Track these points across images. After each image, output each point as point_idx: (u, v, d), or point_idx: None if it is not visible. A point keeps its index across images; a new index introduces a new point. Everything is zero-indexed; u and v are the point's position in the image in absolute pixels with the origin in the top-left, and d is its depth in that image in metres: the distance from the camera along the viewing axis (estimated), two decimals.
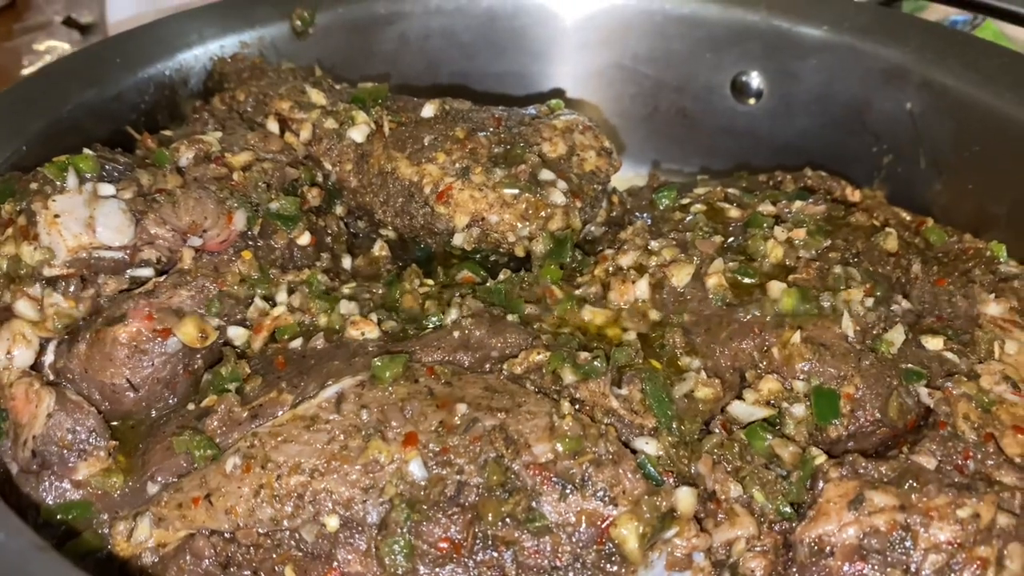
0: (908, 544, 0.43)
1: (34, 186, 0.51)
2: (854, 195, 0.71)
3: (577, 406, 0.48)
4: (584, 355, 0.49)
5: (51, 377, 0.49)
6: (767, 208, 0.62)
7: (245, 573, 0.45)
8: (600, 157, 0.62)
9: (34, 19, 1.13)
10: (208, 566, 0.45)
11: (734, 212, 0.62)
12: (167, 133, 0.63)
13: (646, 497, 0.45)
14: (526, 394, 0.49)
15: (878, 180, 0.78)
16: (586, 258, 0.59)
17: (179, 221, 0.52)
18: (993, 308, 0.56)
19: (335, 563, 0.44)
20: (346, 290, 0.57)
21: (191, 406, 0.51)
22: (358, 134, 0.61)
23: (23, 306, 0.49)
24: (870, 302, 0.53)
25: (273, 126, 0.63)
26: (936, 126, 0.73)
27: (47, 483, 0.47)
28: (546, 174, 0.58)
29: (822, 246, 0.57)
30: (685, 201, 0.64)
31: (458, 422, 0.47)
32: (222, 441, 0.48)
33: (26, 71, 1.09)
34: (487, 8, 0.84)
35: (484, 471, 0.45)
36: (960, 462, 0.46)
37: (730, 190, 0.66)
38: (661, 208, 0.63)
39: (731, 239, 0.58)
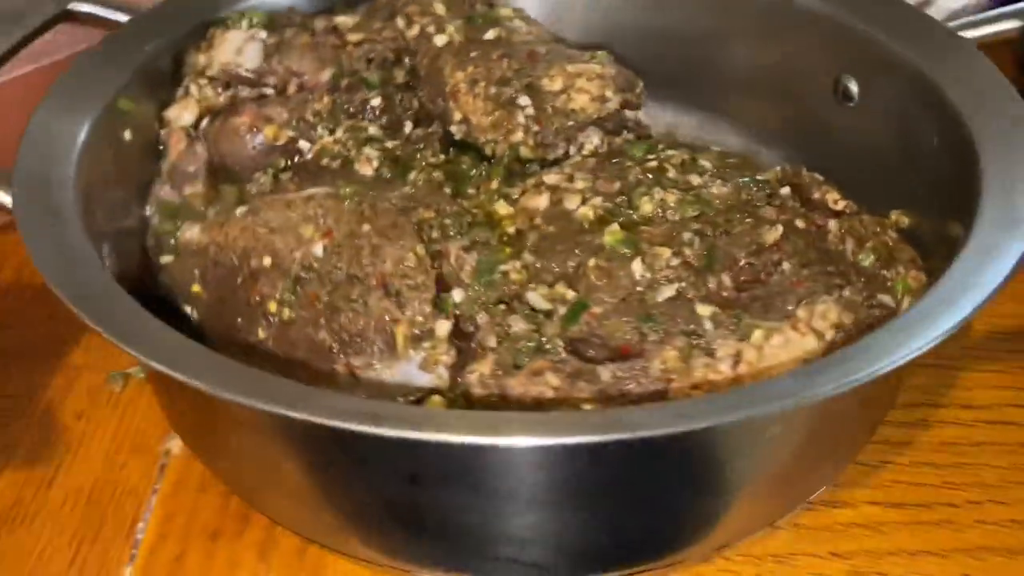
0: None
1: (228, 20, 0.84)
2: (836, 204, 0.77)
3: (432, 254, 0.70)
4: (448, 222, 0.70)
5: (197, 135, 0.83)
6: (693, 179, 0.73)
7: (221, 272, 0.74)
8: (592, 102, 0.78)
9: None
10: (207, 263, 0.75)
11: (671, 174, 0.74)
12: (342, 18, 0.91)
13: (419, 318, 0.66)
14: (408, 234, 0.71)
15: (908, 206, 0.80)
16: (536, 170, 0.77)
17: (287, 64, 0.82)
18: (804, 312, 0.63)
19: (259, 284, 0.72)
20: (385, 144, 0.83)
21: (255, 175, 0.82)
22: (439, 40, 0.84)
23: (192, 88, 0.82)
24: (676, 262, 0.65)
25: (401, 21, 0.88)
26: (949, 168, 0.73)
27: (167, 189, 0.81)
28: (523, 100, 0.77)
29: (688, 214, 0.68)
30: (651, 156, 0.77)
31: (358, 233, 0.71)
32: (249, 199, 0.78)
33: None
34: None
35: (350, 265, 0.69)
36: (627, 385, 0.59)
37: (703, 161, 0.77)
38: (628, 155, 0.77)
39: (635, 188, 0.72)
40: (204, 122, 0.83)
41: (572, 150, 0.80)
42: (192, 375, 0.47)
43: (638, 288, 0.64)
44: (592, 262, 0.65)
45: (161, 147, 0.82)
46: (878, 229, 0.74)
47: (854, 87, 0.87)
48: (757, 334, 0.61)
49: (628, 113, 0.84)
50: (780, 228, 0.68)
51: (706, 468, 0.53)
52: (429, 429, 0.44)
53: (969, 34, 0.80)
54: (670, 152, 0.77)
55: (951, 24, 0.81)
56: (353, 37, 0.85)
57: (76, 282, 0.54)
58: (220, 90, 0.83)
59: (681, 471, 0.52)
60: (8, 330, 0.84)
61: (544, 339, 0.63)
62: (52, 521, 0.70)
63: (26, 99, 0.73)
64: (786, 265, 0.68)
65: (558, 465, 0.51)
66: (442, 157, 0.82)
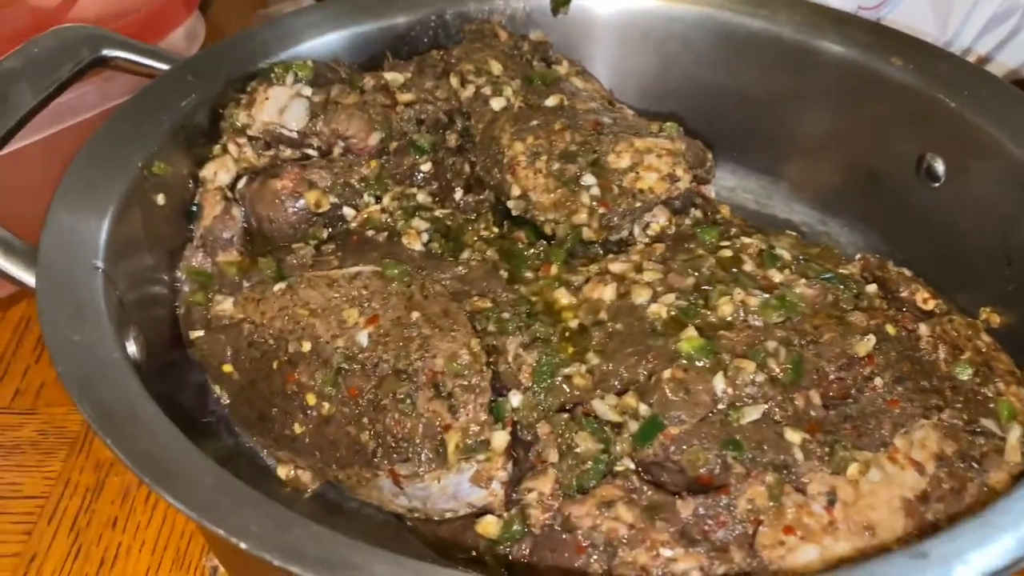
0: (616, 552, 0.53)
1: (271, 75, 0.78)
2: (926, 303, 0.71)
3: (488, 349, 0.64)
4: (506, 315, 0.64)
5: (233, 196, 0.77)
6: (774, 275, 0.67)
7: (255, 354, 0.69)
8: (661, 181, 0.71)
9: None
10: (240, 342, 0.69)
11: (748, 266, 0.68)
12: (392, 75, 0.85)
13: (474, 426, 0.60)
14: (461, 325, 0.65)
15: (1000, 306, 0.73)
16: (599, 255, 0.71)
17: (334, 126, 0.76)
18: (901, 441, 0.57)
19: (296, 371, 0.66)
20: (434, 212, 0.77)
21: (295, 245, 0.76)
22: (496, 104, 0.78)
23: (231, 147, 0.77)
24: (761, 378, 0.58)
25: (455, 80, 0.82)
26: None
27: (200, 255, 0.75)
28: (588, 179, 0.70)
29: (772, 320, 0.62)
30: (724, 243, 0.71)
31: (406, 321, 0.65)
32: (288, 272, 0.72)
33: None
34: (722, 23, 0.92)
35: (397, 358, 0.63)
36: (710, 525, 0.53)
37: (778, 250, 0.70)
38: (699, 240, 0.71)
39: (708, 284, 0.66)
40: (242, 182, 0.78)
41: (636, 230, 0.73)
42: (247, 538, 0.41)
43: (719, 407, 0.58)
44: (668, 373, 0.59)
45: (195, 208, 0.76)
46: (970, 332, 0.68)
47: (940, 167, 0.80)
48: (853, 468, 0.55)
49: (695, 186, 0.78)
50: (872, 339, 0.62)
51: None
52: None
53: None
54: (745, 240, 0.71)
55: None
56: (404, 97, 0.79)
57: (112, 412, 0.48)
58: (260, 150, 0.77)
59: None
60: (30, 417, 0.76)
61: (613, 457, 0.57)
62: None
63: (51, 159, 0.67)
64: (878, 380, 0.61)
65: None
66: (495, 231, 0.76)
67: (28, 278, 0.59)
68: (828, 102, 0.88)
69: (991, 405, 0.61)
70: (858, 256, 0.73)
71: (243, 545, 0.41)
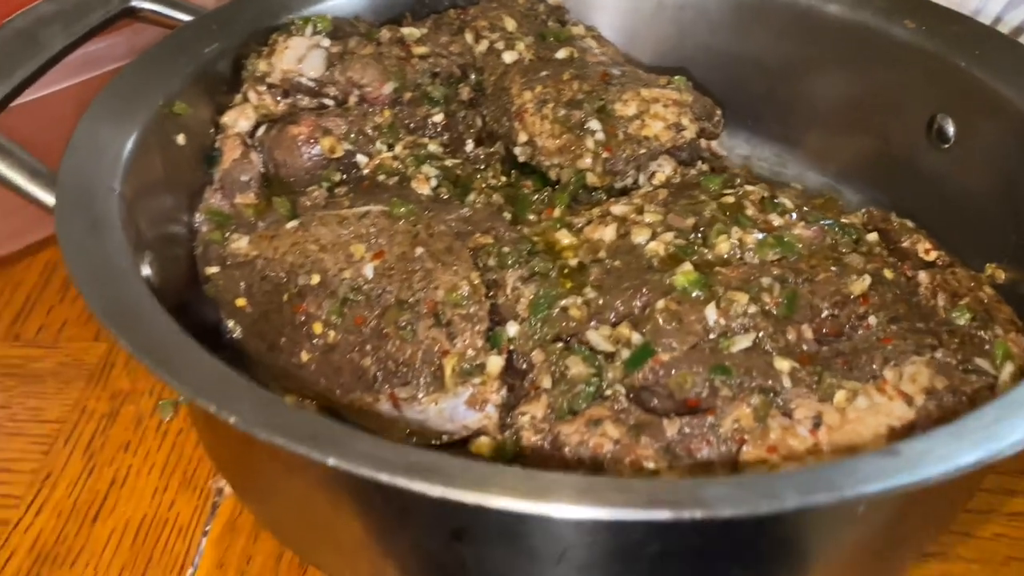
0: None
1: (291, 27, 0.81)
2: (928, 254, 0.71)
3: (488, 283, 0.65)
4: (506, 249, 0.65)
5: (252, 143, 0.80)
6: (774, 219, 0.67)
7: (267, 287, 0.71)
8: (666, 130, 0.73)
9: None
10: (253, 277, 0.72)
11: (751, 211, 0.69)
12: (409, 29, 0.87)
13: (470, 351, 0.61)
14: (463, 260, 0.67)
15: (1006, 260, 0.73)
16: (603, 201, 0.72)
17: (350, 75, 0.78)
18: (891, 374, 0.57)
19: (305, 303, 0.68)
20: (444, 161, 0.79)
21: (309, 188, 0.78)
22: (508, 57, 0.80)
23: (251, 95, 0.80)
24: (753, 309, 0.59)
25: (469, 36, 0.84)
26: None
27: (219, 196, 0.78)
28: (593, 124, 0.72)
29: (767, 257, 0.63)
30: (728, 190, 0.72)
31: (411, 256, 0.67)
32: (301, 213, 0.74)
33: None
34: None
35: (400, 290, 0.65)
36: (695, 443, 0.54)
37: (783, 199, 0.71)
38: (703, 187, 0.72)
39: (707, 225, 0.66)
40: (260, 130, 0.80)
41: (642, 179, 0.75)
42: (236, 414, 0.43)
43: (710, 336, 0.59)
44: (661, 304, 0.60)
45: (215, 153, 0.79)
46: (972, 284, 0.68)
47: (951, 128, 0.81)
48: (840, 395, 0.55)
49: (703, 142, 0.79)
50: (868, 278, 0.63)
51: (780, 549, 0.47)
52: (473, 488, 0.40)
53: None
54: (748, 188, 0.72)
55: None
56: (419, 50, 0.81)
57: (116, 306, 0.51)
58: (279, 98, 0.80)
59: (750, 550, 0.47)
60: (52, 350, 0.80)
61: (604, 383, 0.58)
62: (96, 560, 0.65)
63: (81, 107, 0.70)
64: (872, 319, 0.62)
65: (621, 538, 0.45)
66: (503, 179, 0.78)
67: (49, 199, 0.62)
68: (841, 67, 0.89)
69: (987, 347, 0.61)
70: (863, 210, 0.73)
71: (232, 420, 0.43)
